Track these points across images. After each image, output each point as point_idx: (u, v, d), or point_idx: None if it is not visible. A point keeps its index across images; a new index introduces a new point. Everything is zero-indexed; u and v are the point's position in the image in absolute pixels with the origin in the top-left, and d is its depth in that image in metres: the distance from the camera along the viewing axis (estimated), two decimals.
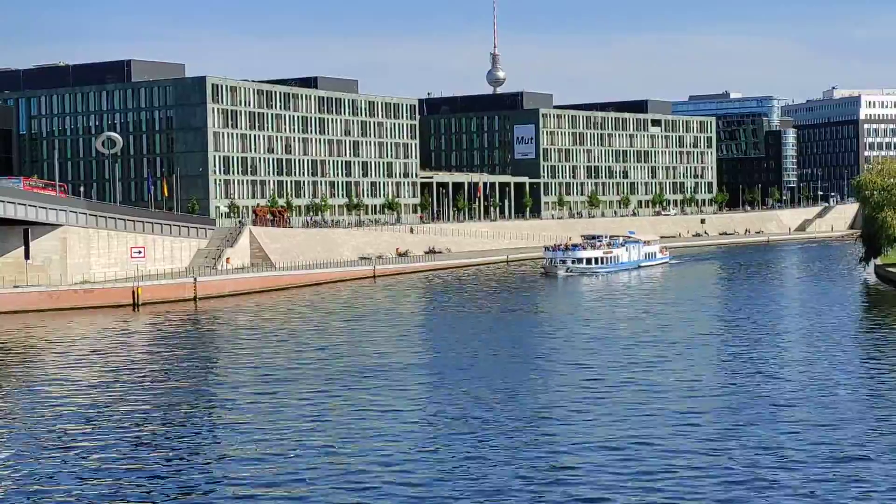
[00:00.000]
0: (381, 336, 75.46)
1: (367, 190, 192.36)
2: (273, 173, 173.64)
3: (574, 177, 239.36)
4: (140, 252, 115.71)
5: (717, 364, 57.13)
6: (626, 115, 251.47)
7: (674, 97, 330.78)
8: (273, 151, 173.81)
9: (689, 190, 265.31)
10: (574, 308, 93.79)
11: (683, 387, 50.33)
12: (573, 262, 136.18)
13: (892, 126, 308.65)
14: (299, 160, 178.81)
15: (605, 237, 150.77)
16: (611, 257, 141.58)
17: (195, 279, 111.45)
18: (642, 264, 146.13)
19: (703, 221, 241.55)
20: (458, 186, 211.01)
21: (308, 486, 35.03)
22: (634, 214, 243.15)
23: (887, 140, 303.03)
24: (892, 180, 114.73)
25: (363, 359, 63.09)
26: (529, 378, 54.12)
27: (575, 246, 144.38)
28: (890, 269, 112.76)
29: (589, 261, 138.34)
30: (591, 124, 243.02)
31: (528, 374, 55.42)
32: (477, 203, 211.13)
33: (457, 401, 48.29)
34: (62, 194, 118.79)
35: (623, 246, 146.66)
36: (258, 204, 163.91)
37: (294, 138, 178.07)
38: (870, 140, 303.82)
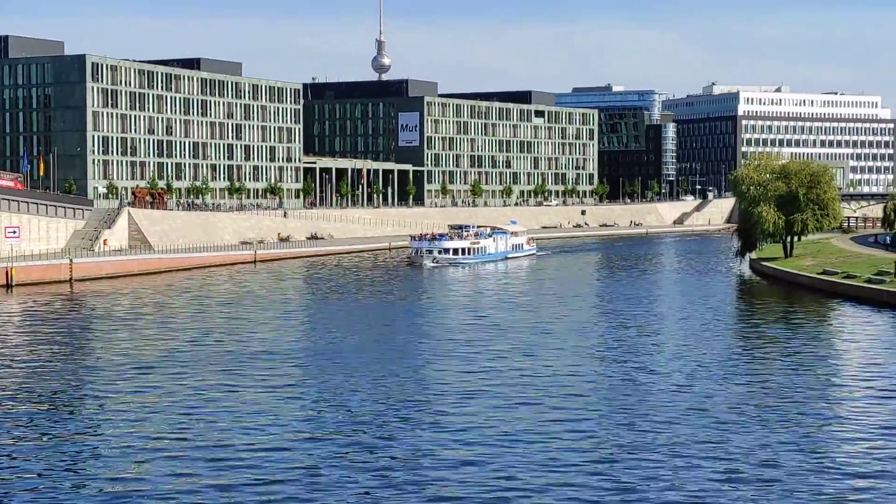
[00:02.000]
0: (259, 322, 74.86)
1: (250, 174, 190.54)
2: (153, 155, 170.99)
3: (458, 165, 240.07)
4: (14, 232, 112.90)
5: (589, 355, 57.37)
6: (511, 105, 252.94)
7: (558, 89, 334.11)
8: (154, 133, 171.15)
9: (570, 181, 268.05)
10: (444, 298, 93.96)
11: (547, 375, 50.58)
12: (439, 252, 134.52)
13: (769, 122, 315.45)
14: (180, 142, 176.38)
15: (473, 227, 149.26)
16: (477, 248, 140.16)
17: (71, 260, 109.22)
18: (509, 255, 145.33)
19: (583, 213, 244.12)
20: (341, 172, 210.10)
21: (181, 475, 34.39)
22: (517, 204, 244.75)
23: (764, 136, 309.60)
24: (768, 176, 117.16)
25: (241, 344, 62.42)
26: (396, 368, 53.95)
27: (441, 236, 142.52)
28: (764, 263, 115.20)
29: (455, 251, 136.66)
30: (475, 113, 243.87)
31: (393, 363, 55.27)
32: (360, 190, 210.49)
33: (331, 388, 47.96)
34: None
35: (490, 237, 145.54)
36: (137, 185, 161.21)
37: (175, 120, 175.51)
38: (747, 136, 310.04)
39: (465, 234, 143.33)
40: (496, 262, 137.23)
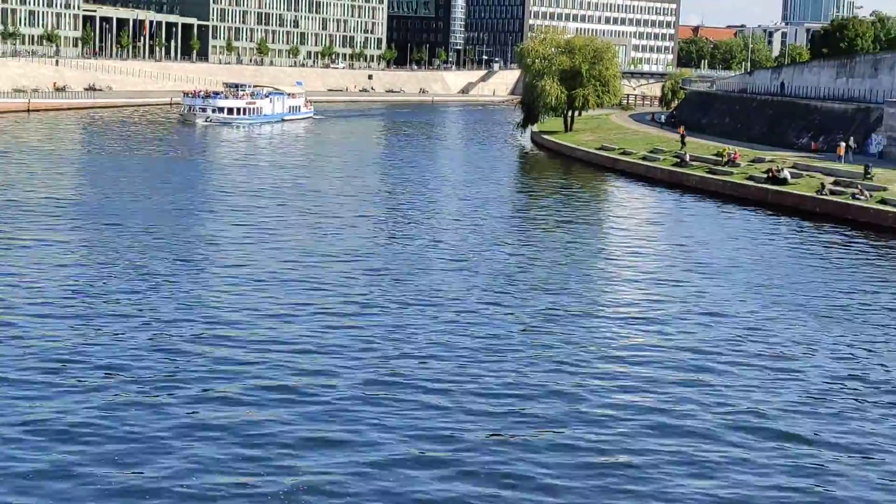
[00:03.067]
0: (29, 174, 72.20)
1: (25, 19, 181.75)
2: None
3: (244, 22, 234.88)
4: None
5: (365, 229, 57.21)
6: None
7: None
8: None
9: (358, 45, 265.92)
10: (214, 158, 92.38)
11: (315, 252, 50.41)
12: (213, 110, 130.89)
13: None
14: None
15: (249, 87, 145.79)
16: (253, 108, 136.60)
17: None
18: (286, 118, 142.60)
19: (370, 77, 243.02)
20: (122, 23, 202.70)
21: None
22: (304, 65, 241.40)
23: (552, 10, 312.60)
24: (553, 50, 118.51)
25: (9, 194, 60.06)
26: (174, 227, 52.91)
27: (216, 94, 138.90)
28: (545, 136, 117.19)
29: (230, 110, 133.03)
30: None
31: (157, 221, 54.20)
32: (142, 42, 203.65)
33: (104, 243, 46.63)
34: None
35: (267, 97, 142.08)
36: None
37: None
38: (535, 9, 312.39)
39: (240, 93, 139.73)
40: (272, 124, 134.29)
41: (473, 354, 31.98)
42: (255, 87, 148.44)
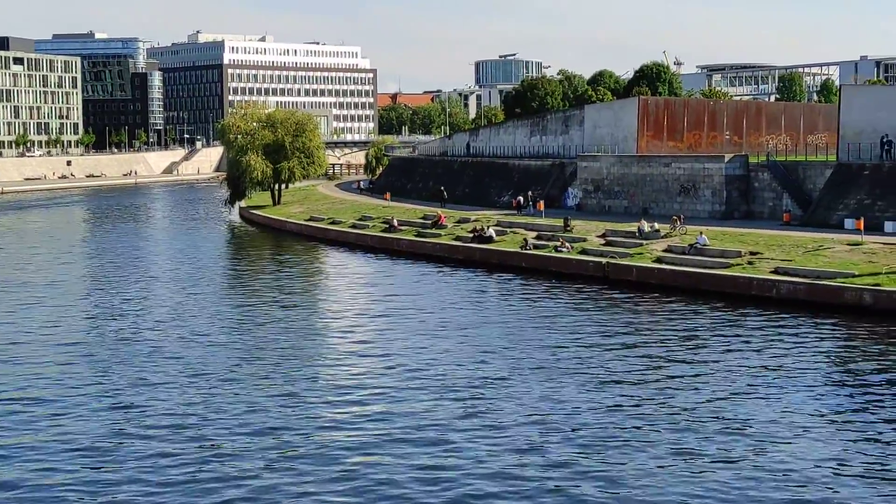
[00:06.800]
0: None
1: None
2: None
3: None
4: None
5: (72, 323, 55.45)
6: None
7: (37, 35, 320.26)
8: None
9: (54, 131, 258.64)
10: None
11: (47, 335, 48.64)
12: None
13: (254, 71, 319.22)
14: None
15: None
16: None
17: None
18: None
19: (69, 163, 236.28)
20: None
21: None
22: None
23: (251, 85, 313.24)
24: (255, 125, 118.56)
25: None
26: None
27: None
28: (254, 211, 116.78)
29: None
30: None
31: None
32: None
33: None
34: None
35: None
36: None
37: None
38: (234, 84, 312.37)
39: None
40: None
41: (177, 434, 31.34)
42: None
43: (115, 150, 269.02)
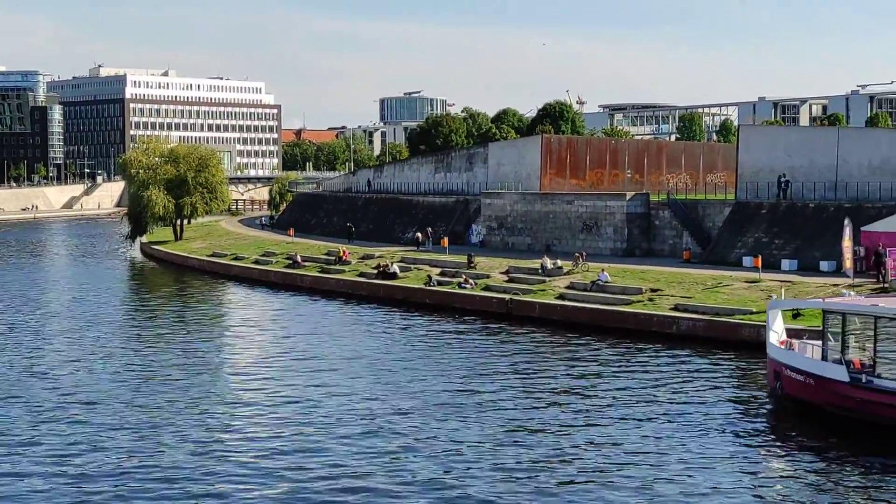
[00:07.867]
0: None
1: None
2: None
3: None
4: None
5: None
6: None
7: None
8: None
9: None
10: None
11: None
12: None
13: (157, 106, 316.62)
14: None
15: None
16: None
17: None
18: None
19: None
20: None
21: None
22: None
23: (153, 120, 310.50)
24: (157, 159, 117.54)
25: None
26: None
27: None
28: (155, 247, 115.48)
29: None
30: None
31: None
32: None
33: None
34: None
35: None
36: None
37: None
38: (136, 119, 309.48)
39: None
40: None
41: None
42: None
43: (14, 185, 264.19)
